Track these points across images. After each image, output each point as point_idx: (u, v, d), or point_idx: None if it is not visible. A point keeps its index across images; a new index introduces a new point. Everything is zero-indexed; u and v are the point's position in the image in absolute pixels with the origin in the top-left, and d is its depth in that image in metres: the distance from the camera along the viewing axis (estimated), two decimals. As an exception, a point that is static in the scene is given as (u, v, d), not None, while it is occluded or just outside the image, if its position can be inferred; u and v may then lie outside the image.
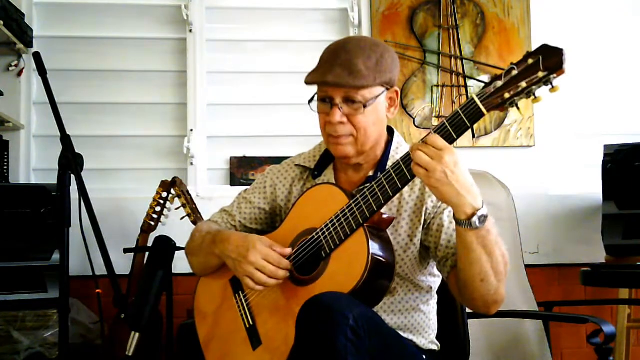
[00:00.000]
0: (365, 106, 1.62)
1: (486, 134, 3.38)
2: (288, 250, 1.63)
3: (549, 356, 2.53)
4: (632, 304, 3.12)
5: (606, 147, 3.01)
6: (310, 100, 1.67)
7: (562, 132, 3.42)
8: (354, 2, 3.41)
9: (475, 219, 1.44)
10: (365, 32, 3.39)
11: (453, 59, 3.40)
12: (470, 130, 3.30)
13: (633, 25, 3.51)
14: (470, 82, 3.38)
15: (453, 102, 3.37)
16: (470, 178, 1.44)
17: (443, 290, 1.85)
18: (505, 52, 3.41)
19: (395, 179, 1.50)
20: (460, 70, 3.40)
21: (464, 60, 3.40)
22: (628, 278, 2.69)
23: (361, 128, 1.65)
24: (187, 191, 2.92)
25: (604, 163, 2.99)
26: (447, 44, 3.41)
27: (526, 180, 3.29)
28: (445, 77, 3.39)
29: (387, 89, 1.67)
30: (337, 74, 1.60)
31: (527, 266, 2.71)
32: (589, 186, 3.25)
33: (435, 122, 3.33)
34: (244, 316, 1.70)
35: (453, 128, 1.42)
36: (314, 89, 1.69)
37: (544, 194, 3.34)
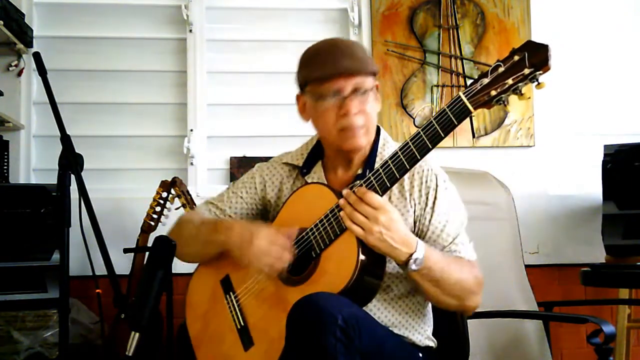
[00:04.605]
0: (370, 94, 1.64)
1: (486, 134, 3.37)
2: (294, 231, 1.63)
3: (549, 356, 2.53)
4: (632, 304, 3.12)
5: (606, 147, 3.01)
6: (319, 100, 1.64)
7: (562, 132, 3.42)
8: (354, 2, 3.40)
9: (411, 264, 1.51)
10: (365, 32, 3.38)
11: (453, 59, 3.40)
12: (470, 130, 3.36)
13: (633, 25, 3.51)
14: (470, 82, 3.37)
15: (453, 102, 3.37)
16: (403, 229, 1.51)
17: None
18: (505, 52, 3.31)
19: (384, 178, 1.51)
20: (460, 71, 3.39)
21: (464, 60, 3.40)
22: (628, 278, 2.68)
23: (371, 117, 1.66)
24: (187, 191, 2.92)
25: (604, 163, 2.99)
26: (447, 44, 3.40)
27: (526, 180, 3.29)
28: (445, 77, 3.39)
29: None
30: (349, 63, 1.60)
31: (527, 266, 2.70)
32: (589, 186, 3.25)
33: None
34: (235, 317, 1.70)
35: (440, 126, 1.43)
36: None
37: (544, 194, 3.34)
